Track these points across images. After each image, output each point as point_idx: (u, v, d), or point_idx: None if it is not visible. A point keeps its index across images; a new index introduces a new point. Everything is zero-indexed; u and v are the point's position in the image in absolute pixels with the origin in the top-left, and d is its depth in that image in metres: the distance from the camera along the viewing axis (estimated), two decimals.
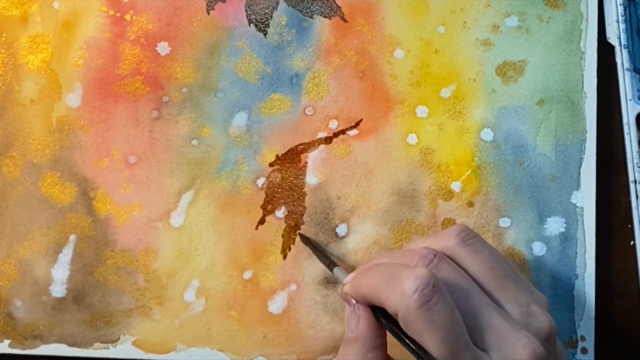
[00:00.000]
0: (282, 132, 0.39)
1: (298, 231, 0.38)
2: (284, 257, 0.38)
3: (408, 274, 0.29)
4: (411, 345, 0.29)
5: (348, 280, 0.33)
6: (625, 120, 0.38)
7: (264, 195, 0.39)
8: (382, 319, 0.31)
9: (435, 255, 0.31)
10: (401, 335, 0.29)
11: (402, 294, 0.28)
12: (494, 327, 0.29)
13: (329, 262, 0.36)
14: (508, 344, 0.29)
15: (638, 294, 0.38)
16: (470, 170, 0.38)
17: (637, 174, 0.37)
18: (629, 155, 0.38)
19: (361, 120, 0.39)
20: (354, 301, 0.32)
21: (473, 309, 0.29)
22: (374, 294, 0.30)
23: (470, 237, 0.32)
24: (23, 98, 0.39)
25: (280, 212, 0.38)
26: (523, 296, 0.31)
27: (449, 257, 0.32)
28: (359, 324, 0.31)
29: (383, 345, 0.32)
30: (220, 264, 0.38)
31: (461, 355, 0.28)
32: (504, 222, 0.38)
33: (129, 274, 0.38)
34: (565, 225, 0.38)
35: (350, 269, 0.35)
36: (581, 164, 0.38)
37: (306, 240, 0.38)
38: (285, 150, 0.39)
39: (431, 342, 0.28)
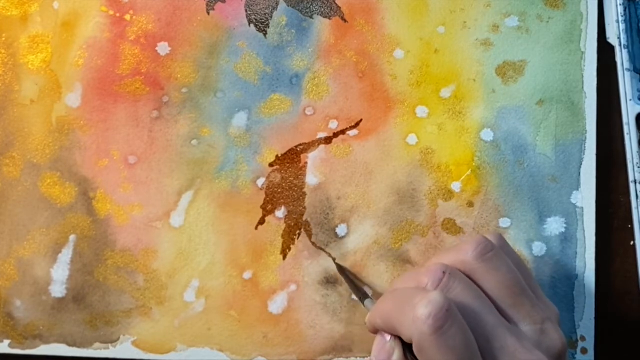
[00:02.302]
0: (282, 132, 0.39)
1: (335, 260, 0.38)
2: (284, 257, 0.38)
3: (420, 299, 0.28)
4: None
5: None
6: (625, 120, 0.38)
7: (264, 196, 0.39)
8: (406, 350, 0.30)
9: (444, 273, 0.30)
10: None
11: (415, 320, 0.28)
12: (507, 348, 0.29)
13: (361, 294, 0.36)
14: None
15: (638, 294, 0.38)
16: (470, 171, 0.38)
17: (637, 174, 0.37)
18: (629, 155, 0.38)
19: (361, 120, 0.39)
20: (389, 335, 0.31)
21: (486, 330, 0.29)
22: (389, 322, 0.30)
23: (488, 250, 0.31)
24: (23, 98, 0.39)
25: (280, 212, 0.38)
26: (538, 313, 0.31)
27: (465, 272, 0.31)
28: (392, 358, 0.31)
29: None
30: (220, 264, 0.38)
31: None
32: (504, 223, 0.38)
33: (129, 274, 0.38)
34: (565, 225, 0.38)
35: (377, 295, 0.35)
36: (581, 164, 0.38)
37: (342, 270, 0.38)
38: (285, 150, 0.39)
39: None
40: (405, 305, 0.29)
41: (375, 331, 0.32)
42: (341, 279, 0.38)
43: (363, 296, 0.36)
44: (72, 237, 0.38)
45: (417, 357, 0.29)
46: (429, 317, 0.28)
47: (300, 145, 0.39)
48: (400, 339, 0.30)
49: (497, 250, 0.31)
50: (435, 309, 0.28)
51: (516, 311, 0.30)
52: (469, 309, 0.29)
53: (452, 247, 0.36)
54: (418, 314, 0.28)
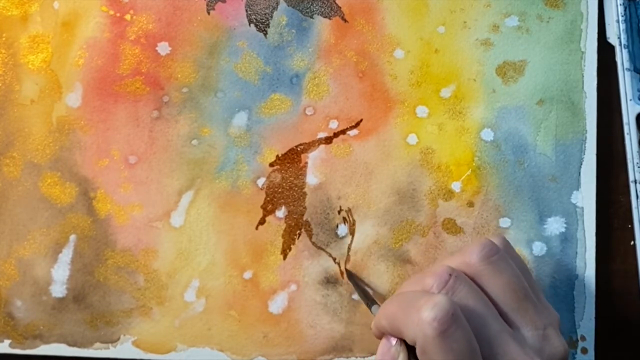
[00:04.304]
0: (282, 132, 0.39)
1: (346, 267, 0.38)
2: (284, 257, 0.38)
3: (425, 301, 0.28)
4: None
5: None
6: (625, 120, 0.38)
7: (264, 195, 0.39)
8: (411, 355, 0.30)
9: (450, 275, 0.30)
10: None
11: (419, 322, 0.28)
12: (509, 354, 0.29)
13: (369, 300, 0.36)
14: None
15: (638, 294, 0.38)
16: (470, 170, 0.38)
17: (637, 174, 0.37)
18: (629, 155, 0.38)
19: (361, 120, 0.39)
20: (395, 339, 0.31)
21: (489, 335, 0.29)
22: (394, 324, 0.30)
23: (493, 253, 0.31)
24: (23, 98, 0.39)
25: (281, 212, 0.38)
26: (540, 319, 0.31)
27: (470, 275, 0.31)
28: None
29: None
30: (221, 264, 0.38)
31: None
32: (504, 222, 0.38)
33: (129, 274, 0.38)
34: (565, 225, 0.38)
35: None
36: (581, 164, 0.38)
37: (351, 277, 0.38)
38: (286, 150, 0.39)
39: None
40: (411, 307, 0.29)
41: (381, 336, 0.32)
42: (341, 279, 0.38)
43: (371, 302, 0.35)
44: (72, 237, 0.38)
45: (420, 358, 0.29)
46: (434, 320, 0.28)
47: (301, 145, 0.39)
48: (406, 343, 0.30)
49: (502, 253, 0.31)
50: (441, 312, 0.28)
51: (519, 316, 0.30)
52: (473, 313, 0.29)
53: (457, 250, 0.36)
54: (423, 316, 0.28)
